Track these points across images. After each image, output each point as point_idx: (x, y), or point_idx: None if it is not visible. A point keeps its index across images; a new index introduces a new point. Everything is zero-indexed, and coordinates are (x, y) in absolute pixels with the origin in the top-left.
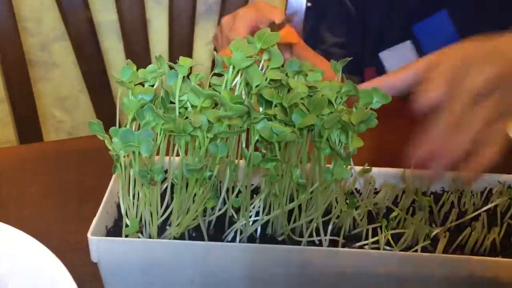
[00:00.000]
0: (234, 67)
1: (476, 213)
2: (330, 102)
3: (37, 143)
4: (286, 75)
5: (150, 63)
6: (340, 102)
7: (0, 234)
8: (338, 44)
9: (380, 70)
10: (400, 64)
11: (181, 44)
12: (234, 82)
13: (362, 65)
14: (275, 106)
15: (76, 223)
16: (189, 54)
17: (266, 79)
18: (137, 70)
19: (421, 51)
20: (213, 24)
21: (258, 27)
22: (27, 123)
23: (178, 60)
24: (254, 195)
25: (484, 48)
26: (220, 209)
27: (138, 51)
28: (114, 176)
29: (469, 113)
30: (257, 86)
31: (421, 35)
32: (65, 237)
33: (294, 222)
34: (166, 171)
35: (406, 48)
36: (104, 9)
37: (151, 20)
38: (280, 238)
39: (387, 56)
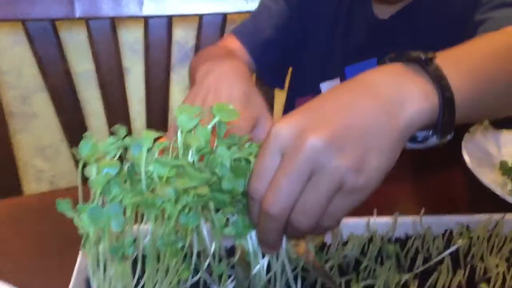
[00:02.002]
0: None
1: (440, 257)
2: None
3: (18, 197)
4: None
5: (127, 111)
6: None
7: None
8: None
9: None
10: None
11: (158, 90)
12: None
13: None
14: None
15: (58, 273)
16: (166, 100)
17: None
18: (115, 119)
19: None
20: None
21: None
22: (7, 173)
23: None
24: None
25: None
26: (193, 276)
27: (116, 99)
28: (80, 252)
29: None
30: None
31: (349, 76)
32: (47, 287)
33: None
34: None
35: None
36: (81, 59)
37: (128, 69)
38: None
39: (326, 87)
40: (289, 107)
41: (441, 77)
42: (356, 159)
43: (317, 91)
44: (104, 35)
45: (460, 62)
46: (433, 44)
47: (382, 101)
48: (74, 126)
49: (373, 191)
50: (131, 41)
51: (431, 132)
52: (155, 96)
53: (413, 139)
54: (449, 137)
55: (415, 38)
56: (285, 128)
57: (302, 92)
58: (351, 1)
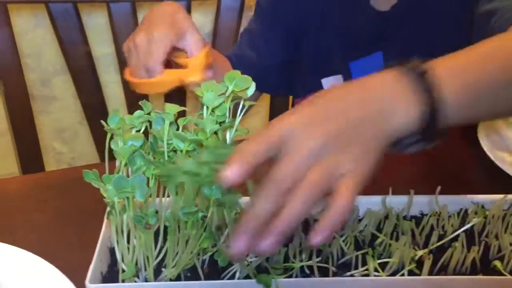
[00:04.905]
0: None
1: (455, 234)
2: None
3: (40, 172)
4: None
5: (146, 94)
6: None
7: (11, 256)
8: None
9: None
10: None
11: None
12: None
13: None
14: None
15: (80, 245)
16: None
17: None
18: (133, 102)
19: None
20: None
21: (176, 50)
22: (30, 155)
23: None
24: None
25: (325, 107)
26: (212, 247)
27: None
28: (105, 222)
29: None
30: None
31: (355, 72)
32: (70, 258)
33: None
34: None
35: (338, 81)
36: (101, 43)
37: None
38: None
39: (327, 84)
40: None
41: (433, 87)
42: (354, 153)
43: (319, 88)
44: (125, 18)
45: (457, 71)
46: (439, 33)
47: (372, 113)
48: (93, 108)
49: (361, 185)
50: None
51: (415, 139)
52: None
53: (396, 145)
54: (433, 144)
55: (420, 28)
56: (285, 125)
57: (303, 91)
58: None
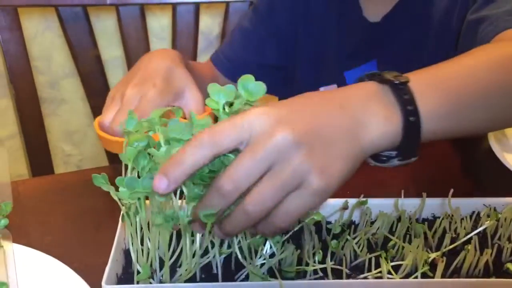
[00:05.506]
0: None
1: (468, 236)
2: None
3: (53, 175)
4: None
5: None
6: None
7: (27, 258)
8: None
9: None
10: None
11: None
12: None
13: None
14: None
15: (95, 246)
16: None
17: None
18: None
19: None
20: None
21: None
22: (39, 157)
23: None
24: None
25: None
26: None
27: None
28: (119, 225)
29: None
30: None
31: (350, 81)
32: (85, 260)
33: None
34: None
35: None
36: (110, 46)
37: None
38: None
39: None
40: None
41: (408, 101)
42: (321, 162)
43: None
44: (133, 22)
45: (435, 84)
46: (432, 41)
47: (348, 121)
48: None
49: (328, 197)
50: (158, 29)
51: (394, 153)
52: None
53: (377, 157)
54: (413, 159)
55: (413, 36)
56: (256, 117)
57: None
58: (340, 4)
